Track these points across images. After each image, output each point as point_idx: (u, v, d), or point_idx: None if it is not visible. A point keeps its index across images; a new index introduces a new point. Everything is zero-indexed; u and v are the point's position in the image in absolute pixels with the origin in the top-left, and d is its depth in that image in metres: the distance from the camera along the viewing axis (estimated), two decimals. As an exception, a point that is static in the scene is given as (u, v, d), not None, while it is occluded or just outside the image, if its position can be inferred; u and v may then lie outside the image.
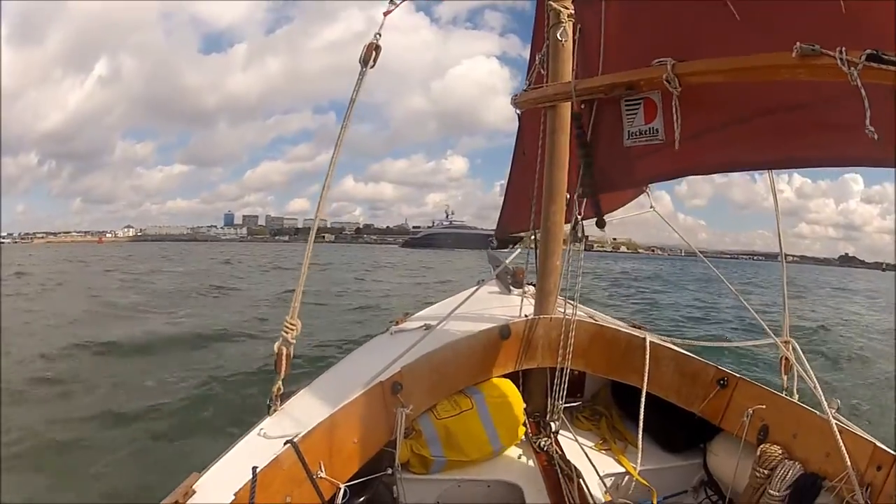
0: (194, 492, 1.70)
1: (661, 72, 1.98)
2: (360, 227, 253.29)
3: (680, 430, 2.79)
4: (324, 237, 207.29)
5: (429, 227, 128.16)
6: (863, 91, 1.49)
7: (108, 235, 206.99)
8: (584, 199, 2.46)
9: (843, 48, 1.53)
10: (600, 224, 2.48)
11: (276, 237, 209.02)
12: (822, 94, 1.82)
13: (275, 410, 2.25)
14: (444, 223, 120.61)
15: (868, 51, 1.49)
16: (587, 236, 2.55)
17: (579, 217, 2.44)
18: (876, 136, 1.45)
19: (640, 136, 2.16)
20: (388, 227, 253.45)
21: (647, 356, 2.73)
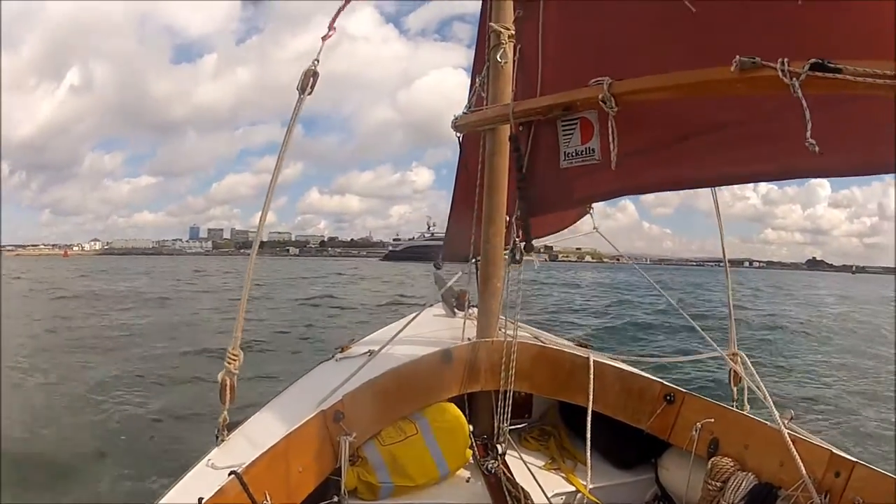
0: None
1: (598, 91, 1.87)
2: (325, 240, 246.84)
3: (629, 447, 2.71)
4: (288, 250, 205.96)
5: (410, 240, 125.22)
6: (804, 102, 1.38)
7: (74, 249, 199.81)
8: (523, 223, 2.34)
9: (786, 59, 1.42)
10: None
11: (242, 250, 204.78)
12: (762, 108, 1.73)
13: (222, 440, 2.15)
14: (426, 235, 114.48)
15: (812, 60, 1.38)
16: (527, 255, 2.42)
17: (517, 240, 2.34)
18: (818, 150, 1.35)
19: (576, 157, 2.07)
20: (352, 239, 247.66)
21: (592, 375, 2.65)
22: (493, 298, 2.81)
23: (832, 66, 1.35)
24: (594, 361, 2.71)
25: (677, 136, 1.95)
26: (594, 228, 3.45)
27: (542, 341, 3.03)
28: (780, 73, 1.42)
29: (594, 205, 3.33)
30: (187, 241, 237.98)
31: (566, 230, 3.67)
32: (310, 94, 2.27)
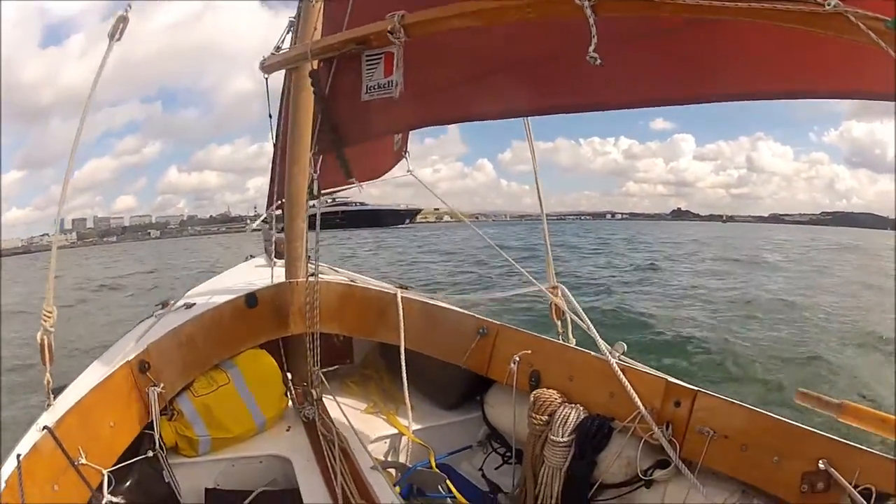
0: None
1: (389, 24, 1.70)
2: (184, 219, 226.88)
3: (451, 386, 2.60)
4: (149, 233, 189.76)
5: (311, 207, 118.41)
6: (591, 20, 1.27)
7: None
8: (321, 158, 2.21)
9: None
10: (349, 176, 2.25)
11: (105, 238, 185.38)
12: (575, 41, 1.69)
13: (49, 405, 1.98)
14: (328, 201, 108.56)
15: None
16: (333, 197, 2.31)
17: (314, 175, 2.20)
18: (598, 62, 1.26)
19: (378, 90, 1.93)
20: (211, 216, 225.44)
21: (401, 312, 2.54)
22: (298, 239, 2.66)
23: None
24: (402, 298, 2.58)
25: (478, 72, 1.84)
26: (408, 171, 3.32)
27: (355, 282, 2.85)
28: None
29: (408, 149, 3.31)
30: (54, 235, 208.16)
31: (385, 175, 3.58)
32: (118, 40, 2.08)
